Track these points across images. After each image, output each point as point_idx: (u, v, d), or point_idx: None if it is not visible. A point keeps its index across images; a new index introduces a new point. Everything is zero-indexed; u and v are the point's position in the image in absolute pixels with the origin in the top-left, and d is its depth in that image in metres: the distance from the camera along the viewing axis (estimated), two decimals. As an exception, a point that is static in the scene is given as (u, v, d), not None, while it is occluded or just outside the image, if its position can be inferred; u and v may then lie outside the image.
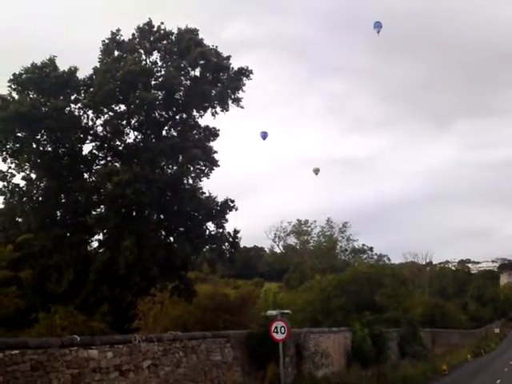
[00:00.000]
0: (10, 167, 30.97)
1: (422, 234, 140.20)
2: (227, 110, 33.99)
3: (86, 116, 32.18)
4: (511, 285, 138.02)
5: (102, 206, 31.05)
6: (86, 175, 32.53)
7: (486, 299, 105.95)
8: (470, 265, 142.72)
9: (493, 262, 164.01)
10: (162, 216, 32.38)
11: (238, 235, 33.15)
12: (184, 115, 33.76)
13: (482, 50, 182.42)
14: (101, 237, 31.35)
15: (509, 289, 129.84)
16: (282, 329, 18.92)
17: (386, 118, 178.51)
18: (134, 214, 30.78)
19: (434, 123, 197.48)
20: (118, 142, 32.66)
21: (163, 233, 32.57)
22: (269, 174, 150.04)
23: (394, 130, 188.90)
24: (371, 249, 68.51)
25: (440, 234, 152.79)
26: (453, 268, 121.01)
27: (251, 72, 33.90)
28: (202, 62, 32.88)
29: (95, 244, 31.99)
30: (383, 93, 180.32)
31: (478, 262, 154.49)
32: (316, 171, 59.81)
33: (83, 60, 34.66)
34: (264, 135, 47.88)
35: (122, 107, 32.20)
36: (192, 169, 32.79)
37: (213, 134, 33.98)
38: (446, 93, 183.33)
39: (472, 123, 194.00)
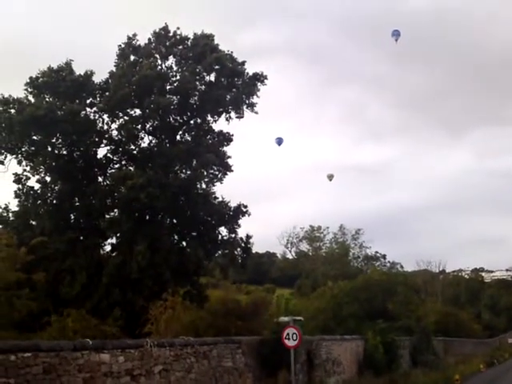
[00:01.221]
0: (25, 170, 31.38)
1: (435, 241, 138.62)
2: (242, 117, 34.06)
3: (101, 120, 32.51)
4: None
5: (115, 210, 31.20)
6: (100, 179, 32.75)
7: (500, 308, 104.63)
8: (483, 273, 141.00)
9: (507, 270, 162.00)
10: (174, 220, 32.41)
11: (251, 240, 33.19)
12: (198, 120, 33.83)
13: (497, 57, 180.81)
14: (114, 240, 31.52)
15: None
16: (294, 336, 18.83)
17: (401, 125, 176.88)
18: (148, 218, 30.86)
19: (448, 131, 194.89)
20: (133, 146, 32.83)
21: (176, 237, 32.63)
22: (283, 180, 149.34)
23: (408, 138, 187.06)
24: (384, 256, 68.41)
25: (454, 242, 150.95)
26: (466, 276, 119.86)
27: (266, 77, 33.95)
28: (217, 67, 32.96)
29: (108, 248, 32.19)
30: (398, 100, 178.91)
31: (492, 271, 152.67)
32: (330, 177, 59.70)
33: (99, 64, 34.91)
34: (279, 141, 47.92)
35: (137, 111, 32.43)
36: (205, 174, 32.84)
37: (227, 139, 34.04)
38: (460, 101, 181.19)
39: (486, 131, 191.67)
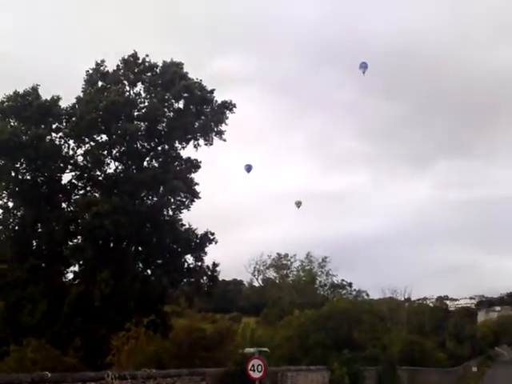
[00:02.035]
0: (-14, 195, 30.59)
1: (401, 270, 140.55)
2: (211, 144, 34.06)
3: (66, 145, 31.96)
4: (488, 322, 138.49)
5: (78, 237, 30.60)
6: (64, 205, 32.11)
7: (464, 337, 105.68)
8: (447, 301, 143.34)
9: (470, 298, 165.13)
10: (140, 248, 31.93)
11: (217, 268, 32.89)
12: (166, 146, 33.69)
13: (465, 92, 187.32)
14: (76, 268, 30.86)
15: (486, 326, 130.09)
16: (259, 367, 18.62)
17: (369, 155, 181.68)
18: (112, 245, 30.35)
19: (414, 162, 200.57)
20: (98, 172, 32.40)
21: (140, 265, 32.14)
22: (251, 207, 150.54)
23: (376, 167, 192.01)
24: (350, 284, 68.78)
25: (419, 270, 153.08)
26: (431, 304, 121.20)
27: (234, 106, 34.12)
28: (185, 94, 33.01)
29: (71, 275, 31.49)
30: (366, 131, 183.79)
31: (456, 299, 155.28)
32: (298, 204, 60.07)
33: (66, 89, 34.57)
34: (248, 168, 48.18)
35: (104, 137, 32.09)
36: (172, 200, 32.62)
37: (194, 165, 33.93)
38: (427, 133, 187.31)
39: (451, 163, 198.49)
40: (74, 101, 32.37)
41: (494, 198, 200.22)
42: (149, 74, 33.74)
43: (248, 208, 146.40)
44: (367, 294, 71.29)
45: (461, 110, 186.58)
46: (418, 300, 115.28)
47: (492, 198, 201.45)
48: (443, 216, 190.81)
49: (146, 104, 33.14)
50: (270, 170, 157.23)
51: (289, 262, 69.48)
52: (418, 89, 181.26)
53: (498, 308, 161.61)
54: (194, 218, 33.97)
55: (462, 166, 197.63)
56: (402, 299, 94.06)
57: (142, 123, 32.56)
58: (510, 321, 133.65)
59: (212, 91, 33.78)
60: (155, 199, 32.38)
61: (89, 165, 31.97)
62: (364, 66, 46.26)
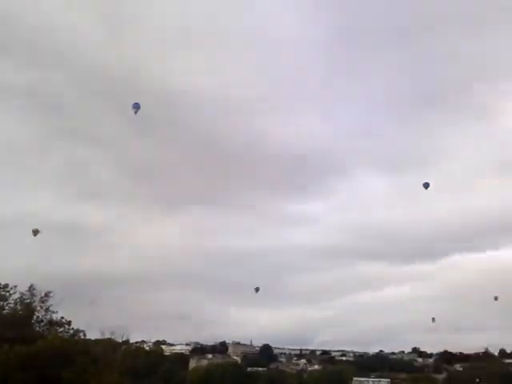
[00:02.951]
0: None
1: (128, 312, 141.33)
2: None
3: None
4: (198, 368, 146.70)
5: None
6: None
7: (176, 382, 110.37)
8: (164, 346, 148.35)
9: (187, 345, 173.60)
10: None
11: None
12: None
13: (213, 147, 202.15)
14: None
15: (195, 372, 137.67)
16: None
17: (125, 192, 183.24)
18: None
19: (168, 205, 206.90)
20: None
21: None
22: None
23: (128, 206, 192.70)
24: (69, 322, 67.34)
25: (145, 314, 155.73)
26: (147, 348, 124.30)
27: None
28: None
29: None
30: (126, 168, 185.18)
31: (173, 344, 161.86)
32: (35, 232, 57.97)
33: None
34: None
35: None
36: None
37: None
38: (182, 180, 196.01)
39: (202, 212, 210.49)
40: None
41: (222, 248, 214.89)
42: None
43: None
44: (84, 334, 70.40)
45: (209, 161, 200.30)
46: (137, 343, 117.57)
47: (221, 248, 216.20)
48: (178, 262, 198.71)
49: None
50: (15, 193, 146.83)
51: (7, 294, 65.52)
52: (181, 138, 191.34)
53: (209, 356, 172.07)
54: None
55: (211, 215, 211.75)
56: (120, 341, 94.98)
57: None
58: (216, 368, 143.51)
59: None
60: None
61: None
62: (136, 107, 48.42)
